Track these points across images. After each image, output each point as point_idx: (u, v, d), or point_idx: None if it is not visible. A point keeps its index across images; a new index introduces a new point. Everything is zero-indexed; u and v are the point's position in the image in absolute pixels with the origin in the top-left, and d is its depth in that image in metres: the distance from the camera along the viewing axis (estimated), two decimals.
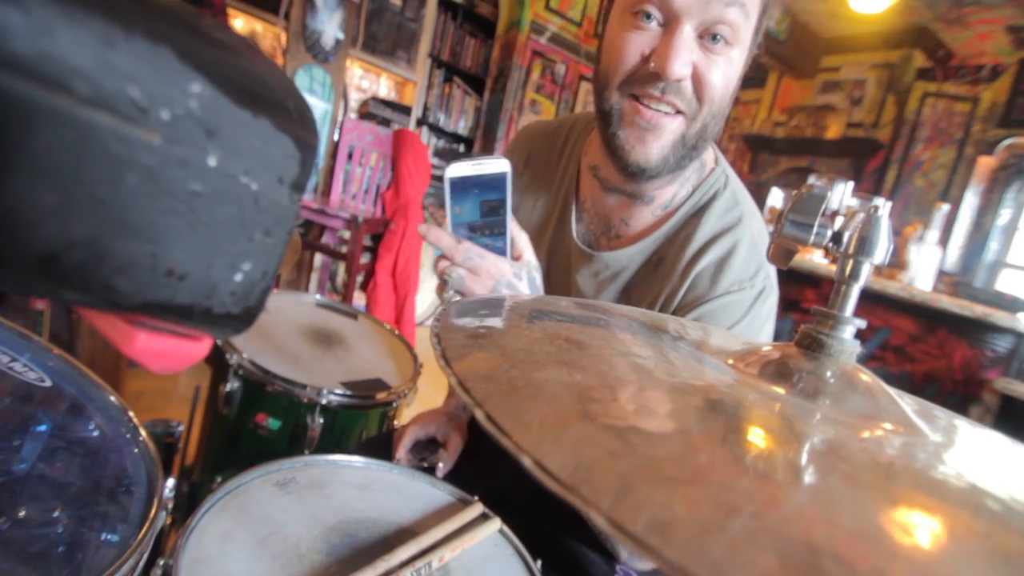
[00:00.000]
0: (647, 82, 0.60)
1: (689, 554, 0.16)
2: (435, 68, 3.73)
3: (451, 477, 0.72)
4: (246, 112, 0.22)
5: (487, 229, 0.63)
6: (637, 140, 0.62)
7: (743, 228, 0.68)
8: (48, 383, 0.60)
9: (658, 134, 0.61)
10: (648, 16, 0.58)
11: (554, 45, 3.84)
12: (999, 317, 2.09)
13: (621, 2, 0.62)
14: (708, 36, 0.58)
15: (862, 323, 0.35)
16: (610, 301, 0.73)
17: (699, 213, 0.70)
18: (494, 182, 0.61)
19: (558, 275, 0.79)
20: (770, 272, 0.67)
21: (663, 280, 0.69)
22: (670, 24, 0.58)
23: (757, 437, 0.26)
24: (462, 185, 0.61)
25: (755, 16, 0.60)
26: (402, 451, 0.81)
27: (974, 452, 0.34)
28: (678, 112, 0.61)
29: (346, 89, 3.27)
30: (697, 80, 0.59)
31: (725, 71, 0.60)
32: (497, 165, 0.60)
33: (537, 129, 0.88)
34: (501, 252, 0.63)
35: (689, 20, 0.57)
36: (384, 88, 3.69)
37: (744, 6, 0.57)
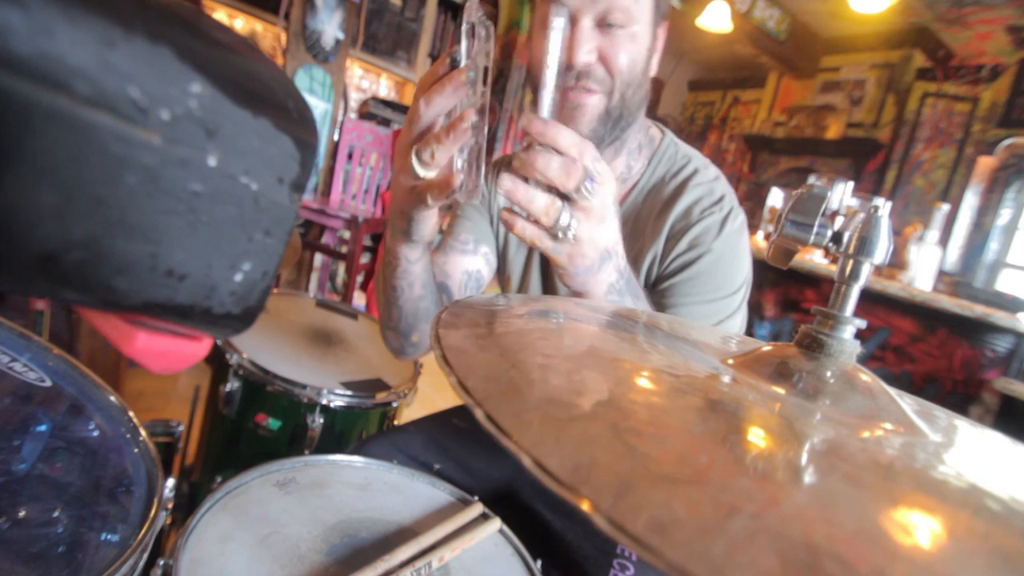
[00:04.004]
0: (563, 75, 0.68)
1: (689, 554, 0.16)
2: None
3: (451, 477, 0.72)
4: (246, 112, 0.22)
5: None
6: (568, 120, 0.71)
7: (701, 174, 0.79)
8: (48, 383, 0.60)
9: (583, 111, 0.70)
10: None
11: None
12: (999, 317, 2.09)
13: (537, 17, 0.72)
14: (605, 24, 0.67)
15: (862, 323, 0.35)
16: None
17: (665, 179, 0.80)
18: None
19: (544, 262, 0.85)
20: (733, 200, 0.78)
21: (640, 239, 0.77)
22: (571, 23, 0.67)
23: (757, 437, 0.26)
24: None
25: None
26: None
27: (974, 452, 0.34)
28: (593, 92, 0.69)
29: (346, 89, 3.27)
30: (604, 60, 0.68)
31: (628, 48, 0.68)
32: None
33: None
34: None
35: (585, 15, 0.66)
36: (384, 88, 3.69)
37: None
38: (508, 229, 0.51)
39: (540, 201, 0.48)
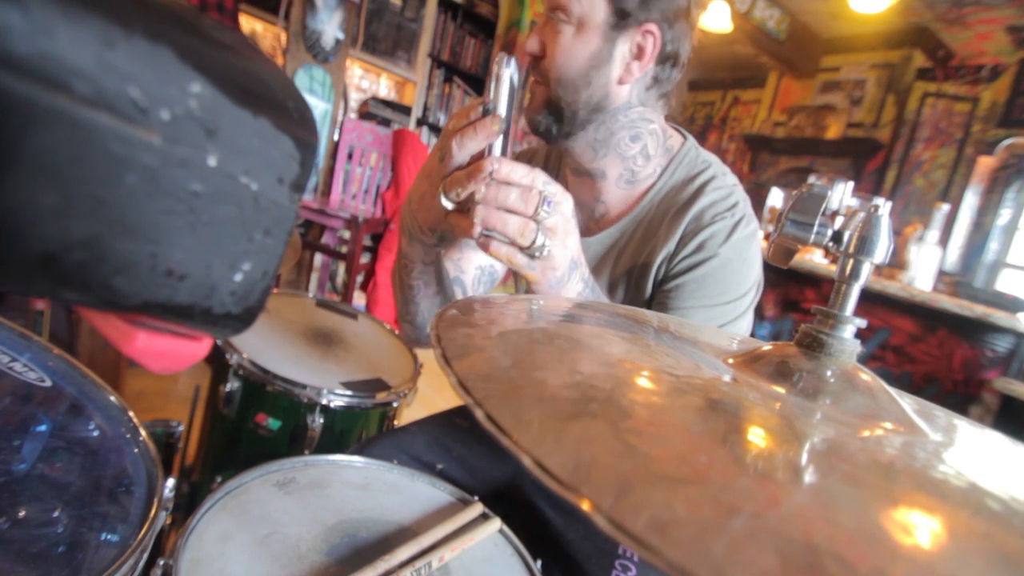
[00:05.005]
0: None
1: (689, 554, 0.16)
2: (435, 68, 3.72)
3: (454, 477, 0.72)
4: (246, 112, 0.22)
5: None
6: (527, 106, 0.77)
7: (719, 180, 0.80)
8: (48, 383, 0.60)
9: (532, 100, 0.75)
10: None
11: None
12: (999, 317, 2.08)
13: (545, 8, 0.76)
14: (552, 16, 0.70)
15: (862, 322, 0.35)
16: (606, 277, 0.80)
17: (682, 184, 0.80)
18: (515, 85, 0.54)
19: None
20: (747, 208, 0.78)
21: (653, 240, 0.78)
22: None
23: (757, 437, 0.26)
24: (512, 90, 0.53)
25: (596, 2, 0.69)
26: None
27: (974, 452, 0.34)
28: (538, 81, 0.74)
29: (346, 89, 3.27)
30: (541, 51, 0.72)
31: (563, 43, 0.70)
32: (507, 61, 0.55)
33: (538, 146, 0.97)
34: None
35: (545, 6, 0.70)
36: (384, 88, 3.69)
37: None
38: (484, 251, 0.56)
39: (514, 224, 0.54)
